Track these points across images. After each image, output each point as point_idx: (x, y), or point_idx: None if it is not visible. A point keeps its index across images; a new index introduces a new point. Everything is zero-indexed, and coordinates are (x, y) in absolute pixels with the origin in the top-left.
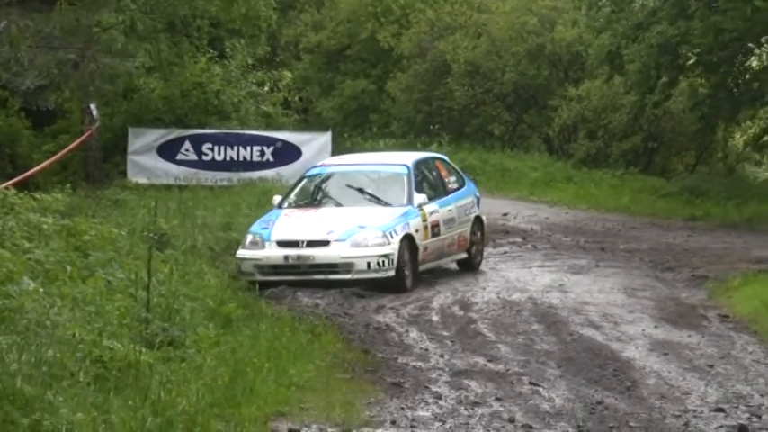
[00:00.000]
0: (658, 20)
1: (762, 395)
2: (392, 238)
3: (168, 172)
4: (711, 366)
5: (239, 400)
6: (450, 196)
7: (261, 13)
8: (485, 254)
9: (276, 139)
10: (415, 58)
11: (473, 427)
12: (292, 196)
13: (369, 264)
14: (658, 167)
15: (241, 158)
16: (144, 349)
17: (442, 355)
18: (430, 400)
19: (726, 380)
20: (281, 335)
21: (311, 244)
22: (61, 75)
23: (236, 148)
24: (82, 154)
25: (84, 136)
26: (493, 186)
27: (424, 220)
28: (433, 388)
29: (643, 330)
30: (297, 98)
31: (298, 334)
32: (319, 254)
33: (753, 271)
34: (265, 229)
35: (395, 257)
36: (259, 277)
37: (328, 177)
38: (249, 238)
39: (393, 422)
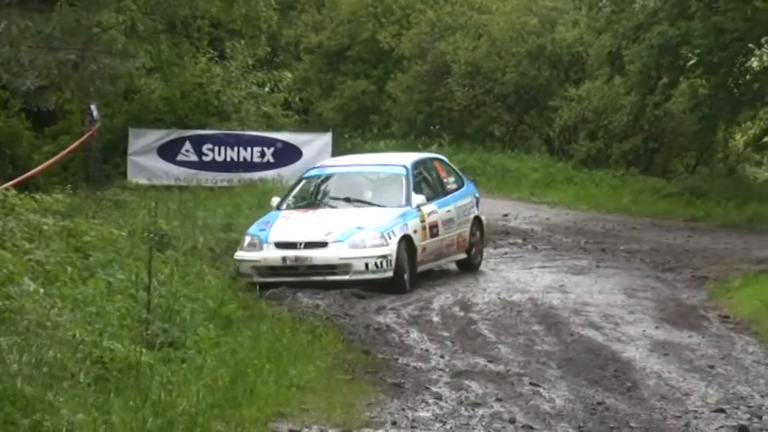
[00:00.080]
0: (659, 20)
1: (762, 396)
2: (390, 238)
3: (169, 173)
4: (712, 367)
5: (240, 401)
6: (448, 197)
7: (261, 14)
8: (485, 254)
9: (276, 140)
10: (416, 59)
11: (474, 428)
12: (291, 198)
13: (367, 265)
14: (659, 168)
15: (241, 159)
16: (144, 350)
17: (442, 356)
18: (430, 401)
19: (726, 381)
20: (282, 336)
21: (309, 245)
22: (61, 75)
23: (236, 148)
24: (82, 155)
25: (85, 137)
26: (493, 187)
27: (423, 221)
28: (434, 389)
29: (644, 331)
30: (297, 99)
31: (298, 335)
32: (317, 255)
33: (753, 271)
34: (263, 230)
35: (393, 258)
36: (257, 279)
37: (327, 178)
38: (247, 239)
39: (394, 423)
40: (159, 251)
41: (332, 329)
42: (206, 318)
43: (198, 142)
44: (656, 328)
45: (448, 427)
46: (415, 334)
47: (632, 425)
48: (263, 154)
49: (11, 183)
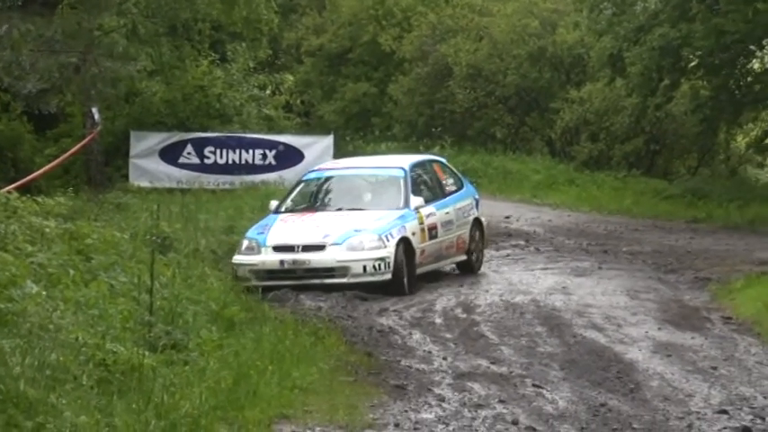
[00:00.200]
0: (660, 22)
1: (765, 397)
2: (388, 241)
3: (170, 175)
4: (715, 368)
5: (242, 403)
6: (447, 198)
7: (262, 17)
8: (487, 256)
9: (278, 143)
10: (417, 61)
11: (476, 430)
12: (289, 201)
13: (365, 267)
14: (660, 170)
15: (243, 162)
16: (147, 352)
17: (445, 358)
18: (433, 403)
19: (729, 382)
20: (285, 338)
21: (307, 248)
22: (63, 78)
23: (238, 151)
24: (84, 157)
25: (86, 139)
26: (495, 189)
27: (421, 223)
28: (437, 390)
29: (646, 332)
30: (299, 101)
31: (301, 337)
32: (315, 258)
33: (755, 273)
34: (261, 234)
35: (391, 261)
36: (255, 283)
37: (325, 181)
38: (245, 243)
39: (396, 425)
40: (161, 254)
41: (335, 331)
42: (208, 320)
43: (199, 145)
44: (659, 329)
45: (451, 428)
46: (417, 336)
47: (635, 426)
48: (264, 156)
49: (13, 186)
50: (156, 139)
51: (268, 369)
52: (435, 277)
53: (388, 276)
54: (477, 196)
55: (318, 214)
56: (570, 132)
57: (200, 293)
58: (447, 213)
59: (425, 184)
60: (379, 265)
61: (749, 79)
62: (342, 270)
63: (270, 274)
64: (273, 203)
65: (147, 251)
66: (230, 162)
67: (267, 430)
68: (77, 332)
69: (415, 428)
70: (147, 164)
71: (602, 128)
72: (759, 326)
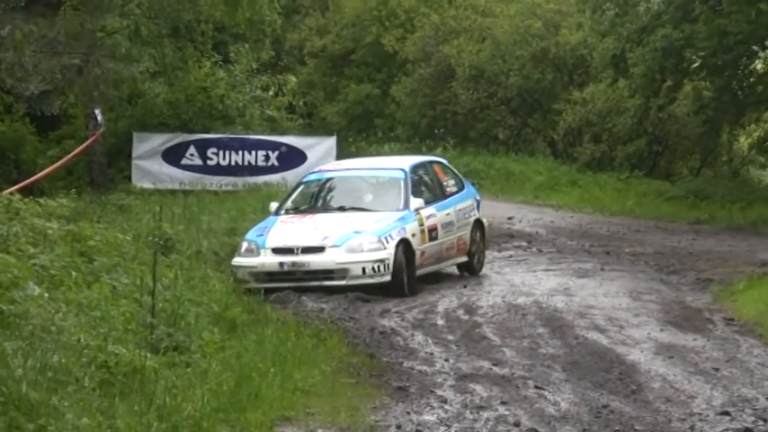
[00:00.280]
0: (663, 23)
1: (767, 398)
2: (387, 243)
3: (173, 177)
4: (717, 370)
5: (244, 405)
6: (448, 200)
7: (265, 18)
8: (489, 258)
9: (281, 144)
10: (420, 63)
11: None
12: (289, 202)
13: (364, 269)
14: (663, 171)
15: (246, 163)
16: (149, 354)
17: (447, 360)
18: (435, 405)
19: (731, 383)
20: (287, 340)
21: (306, 250)
22: (65, 80)
23: (240, 152)
24: (86, 159)
25: (89, 141)
26: (497, 190)
27: (421, 225)
28: (439, 392)
29: (648, 334)
30: (301, 102)
31: (303, 339)
32: (314, 260)
33: (758, 274)
34: (261, 236)
35: (390, 263)
36: (254, 285)
37: (325, 183)
38: (244, 245)
39: (398, 426)
40: (164, 255)
41: (336, 333)
42: (210, 322)
43: (202, 146)
44: (661, 330)
45: (453, 430)
46: (419, 337)
47: (637, 428)
48: (267, 158)
49: (15, 187)
50: (159, 141)
51: (270, 371)
52: (437, 279)
53: (388, 278)
54: (478, 197)
55: (318, 216)
56: (573, 133)
57: (203, 295)
58: (447, 215)
59: (426, 186)
60: (379, 267)
61: (752, 80)
62: (341, 272)
63: (269, 276)
64: (273, 205)
65: (150, 253)
66: (233, 163)
67: None
68: (79, 334)
69: (416, 430)
70: (149, 165)
71: (604, 129)
72: (761, 327)
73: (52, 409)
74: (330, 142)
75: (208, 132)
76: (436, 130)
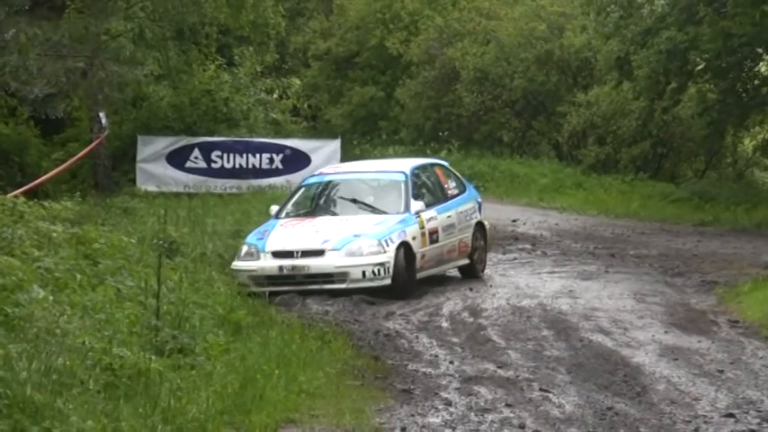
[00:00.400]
0: (667, 25)
1: None
2: (388, 246)
3: (177, 180)
4: (721, 372)
5: (249, 408)
6: (449, 202)
7: (269, 21)
8: (494, 260)
9: (285, 147)
10: (424, 65)
11: None
12: (289, 206)
13: (364, 273)
14: (668, 173)
15: (250, 166)
16: (154, 357)
17: (451, 362)
18: (440, 407)
19: (736, 385)
20: (291, 342)
21: (306, 254)
22: (70, 83)
23: (245, 155)
24: (91, 162)
25: (93, 144)
26: (502, 192)
27: (422, 227)
28: (443, 394)
29: (653, 336)
30: (306, 105)
31: (307, 341)
32: (314, 264)
33: (762, 276)
34: (261, 239)
35: (391, 266)
36: (254, 288)
37: (325, 186)
38: (244, 249)
39: (403, 429)
40: (168, 258)
41: (341, 335)
42: (215, 324)
43: (207, 149)
44: (666, 332)
45: None
46: (424, 340)
47: (642, 430)
48: (271, 160)
49: (20, 190)
50: (164, 144)
51: (275, 373)
52: (442, 281)
53: (388, 281)
54: (479, 199)
55: (318, 219)
56: (577, 136)
57: (207, 297)
58: (449, 217)
59: (427, 188)
60: (379, 271)
61: (756, 82)
62: (341, 275)
63: (269, 279)
64: (274, 208)
65: (154, 255)
66: (237, 166)
67: None
68: (84, 337)
69: None
70: (154, 168)
71: (609, 131)
72: (766, 329)
73: (57, 411)
74: (334, 145)
75: (212, 135)
76: (441, 133)
